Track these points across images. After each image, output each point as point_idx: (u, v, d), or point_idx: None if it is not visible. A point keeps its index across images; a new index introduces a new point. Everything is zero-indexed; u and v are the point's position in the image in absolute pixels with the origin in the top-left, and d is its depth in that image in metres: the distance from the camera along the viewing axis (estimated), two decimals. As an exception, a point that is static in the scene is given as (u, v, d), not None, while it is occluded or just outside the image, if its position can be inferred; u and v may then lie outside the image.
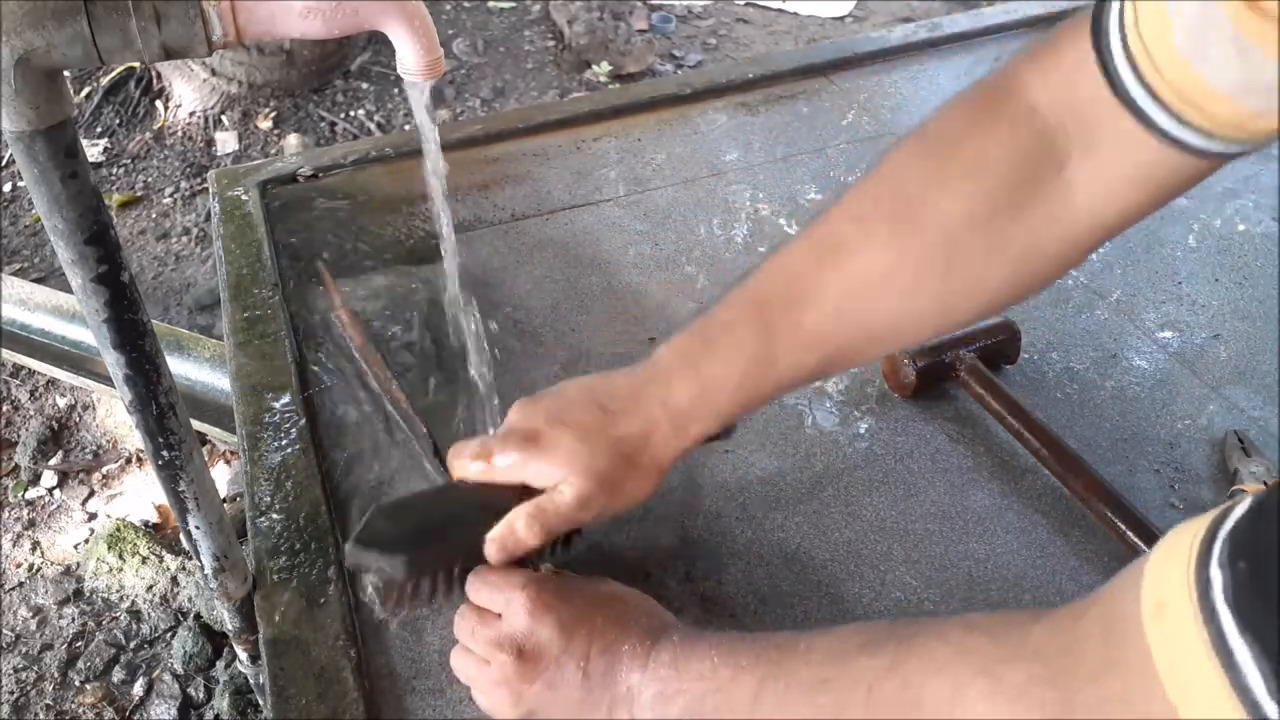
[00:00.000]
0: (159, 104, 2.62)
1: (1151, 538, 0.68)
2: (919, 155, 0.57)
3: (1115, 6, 0.48)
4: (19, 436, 1.84)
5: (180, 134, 2.57)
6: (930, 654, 0.44)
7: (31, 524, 1.71)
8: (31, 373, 1.92)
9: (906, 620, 0.49)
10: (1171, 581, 0.34)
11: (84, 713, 1.45)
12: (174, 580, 1.58)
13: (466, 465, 0.60)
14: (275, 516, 0.71)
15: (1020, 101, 0.53)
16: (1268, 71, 0.42)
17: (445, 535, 0.59)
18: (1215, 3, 0.42)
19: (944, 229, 0.54)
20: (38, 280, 2.06)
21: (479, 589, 0.59)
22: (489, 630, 0.57)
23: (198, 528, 0.63)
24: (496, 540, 0.58)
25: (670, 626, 0.57)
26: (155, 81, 2.63)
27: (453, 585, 0.60)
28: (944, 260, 0.55)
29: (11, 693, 1.47)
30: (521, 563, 0.61)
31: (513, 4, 3.11)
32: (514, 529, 0.58)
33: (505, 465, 0.59)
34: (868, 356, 0.62)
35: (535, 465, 0.58)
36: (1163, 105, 0.46)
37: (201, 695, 1.45)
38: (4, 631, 1.54)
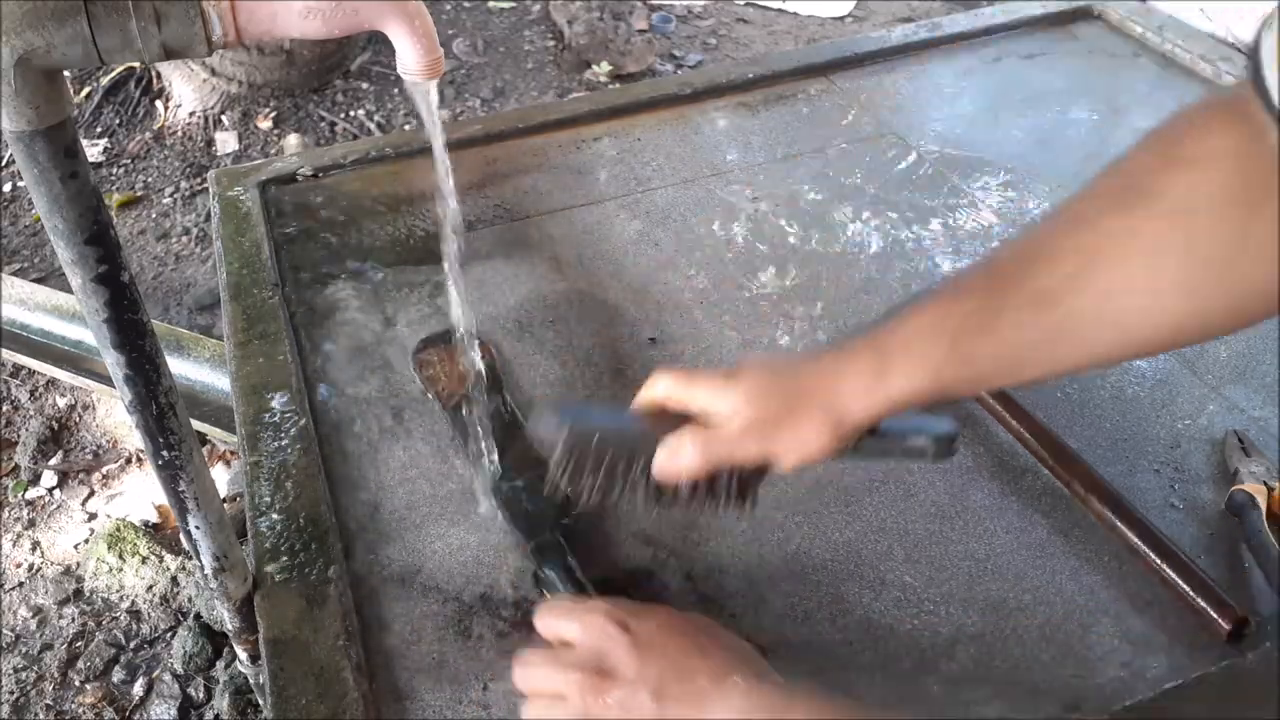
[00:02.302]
0: (159, 104, 2.63)
1: (1152, 538, 0.68)
2: (1145, 149, 0.55)
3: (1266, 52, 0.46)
4: (19, 436, 1.84)
5: (180, 134, 2.57)
6: None
7: (31, 524, 1.71)
8: (31, 373, 1.92)
9: None
10: None
11: (84, 713, 1.45)
12: (174, 580, 1.58)
13: (654, 384, 0.62)
14: (275, 516, 0.71)
15: (1247, 115, 0.50)
16: None
17: (622, 439, 0.63)
18: None
19: (1176, 210, 0.52)
20: (38, 280, 2.06)
21: (547, 619, 0.59)
22: (564, 657, 0.57)
23: (198, 528, 0.63)
24: (664, 451, 0.59)
25: (764, 675, 0.55)
26: (155, 81, 2.63)
27: (623, 485, 0.63)
28: (1183, 241, 0.51)
29: (11, 693, 1.47)
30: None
31: (513, 4, 3.11)
32: (681, 442, 0.59)
33: (687, 391, 0.61)
34: (1101, 345, 0.55)
35: (711, 395, 0.59)
36: None
37: (201, 695, 1.45)
38: (4, 631, 1.54)
